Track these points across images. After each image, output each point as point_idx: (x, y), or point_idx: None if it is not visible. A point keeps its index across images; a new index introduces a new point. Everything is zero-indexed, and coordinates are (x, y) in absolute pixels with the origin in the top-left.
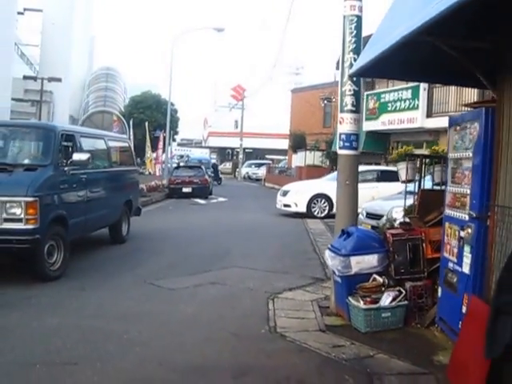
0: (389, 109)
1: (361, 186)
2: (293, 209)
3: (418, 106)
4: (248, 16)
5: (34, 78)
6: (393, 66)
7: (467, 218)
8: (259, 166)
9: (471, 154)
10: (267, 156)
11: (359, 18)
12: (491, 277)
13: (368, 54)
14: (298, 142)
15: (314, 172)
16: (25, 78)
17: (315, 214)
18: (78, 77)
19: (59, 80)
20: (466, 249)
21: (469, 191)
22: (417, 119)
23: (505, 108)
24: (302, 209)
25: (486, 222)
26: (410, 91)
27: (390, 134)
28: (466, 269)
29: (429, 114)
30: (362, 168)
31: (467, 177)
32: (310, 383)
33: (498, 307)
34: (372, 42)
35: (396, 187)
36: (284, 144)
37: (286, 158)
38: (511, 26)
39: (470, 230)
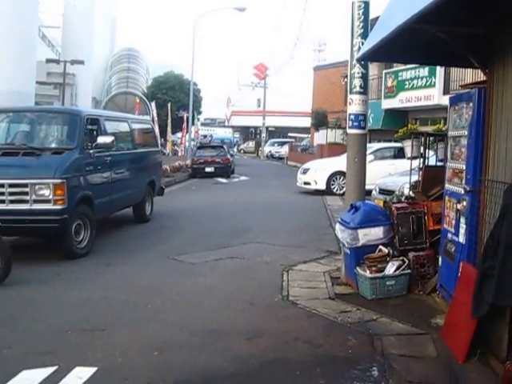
0: (406, 87)
1: (379, 162)
2: (312, 186)
3: (434, 83)
4: None
5: (57, 61)
6: (394, 50)
7: (463, 191)
8: (282, 144)
9: (466, 132)
10: (290, 134)
11: (367, 3)
12: (482, 245)
13: (372, 40)
14: (320, 120)
15: (335, 150)
16: (48, 61)
17: (334, 190)
18: (100, 58)
19: (82, 62)
20: (462, 220)
21: (464, 167)
22: (433, 96)
23: (494, 89)
24: (322, 186)
25: (479, 195)
26: (426, 69)
27: (407, 111)
28: (461, 239)
29: (446, 91)
30: (380, 145)
31: (464, 153)
32: (315, 343)
33: (484, 271)
34: (376, 29)
35: (413, 164)
36: (307, 122)
37: (309, 136)
38: (501, 13)
39: (465, 203)
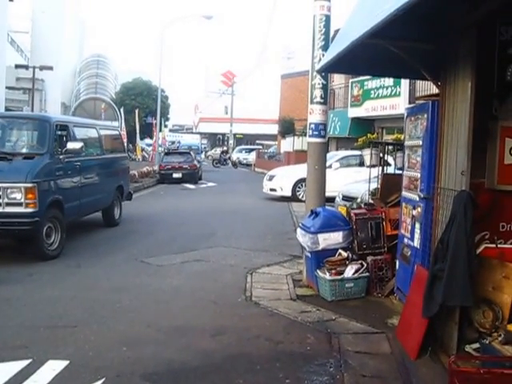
0: (372, 96)
1: (345, 170)
2: (278, 193)
3: (399, 93)
4: (239, 2)
5: (26, 67)
6: (356, 62)
7: (418, 198)
8: (249, 151)
9: (421, 142)
10: (258, 141)
11: (328, 17)
12: None
13: (330, 53)
14: (287, 128)
15: (301, 157)
16: (17, 66)
17: (300, 197)
18: (69, 64)
19: (51, 68)
20: (417, 226)
21: (419, 175)
22: (399, 106)
23: (446, 101)
24: (287, 193)
25: (432, 202)
26: (391, 79)
27: (374, 120)
28: (416, 243)
29: (412, 101)
30: (346, 153)
31: (419, 162)
32: (276, 340)
33: (434, 273)
34: (335, 42)
35: (375, 172)
36: (274, 129)
37: (276, 143)
38: (450, 30)
39: (419, 209)
